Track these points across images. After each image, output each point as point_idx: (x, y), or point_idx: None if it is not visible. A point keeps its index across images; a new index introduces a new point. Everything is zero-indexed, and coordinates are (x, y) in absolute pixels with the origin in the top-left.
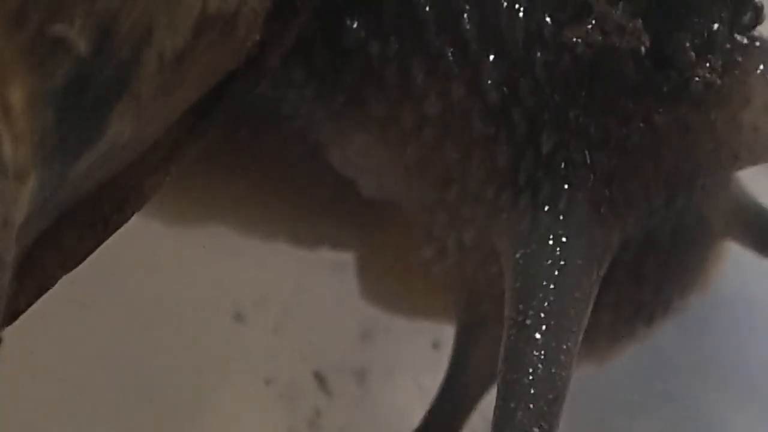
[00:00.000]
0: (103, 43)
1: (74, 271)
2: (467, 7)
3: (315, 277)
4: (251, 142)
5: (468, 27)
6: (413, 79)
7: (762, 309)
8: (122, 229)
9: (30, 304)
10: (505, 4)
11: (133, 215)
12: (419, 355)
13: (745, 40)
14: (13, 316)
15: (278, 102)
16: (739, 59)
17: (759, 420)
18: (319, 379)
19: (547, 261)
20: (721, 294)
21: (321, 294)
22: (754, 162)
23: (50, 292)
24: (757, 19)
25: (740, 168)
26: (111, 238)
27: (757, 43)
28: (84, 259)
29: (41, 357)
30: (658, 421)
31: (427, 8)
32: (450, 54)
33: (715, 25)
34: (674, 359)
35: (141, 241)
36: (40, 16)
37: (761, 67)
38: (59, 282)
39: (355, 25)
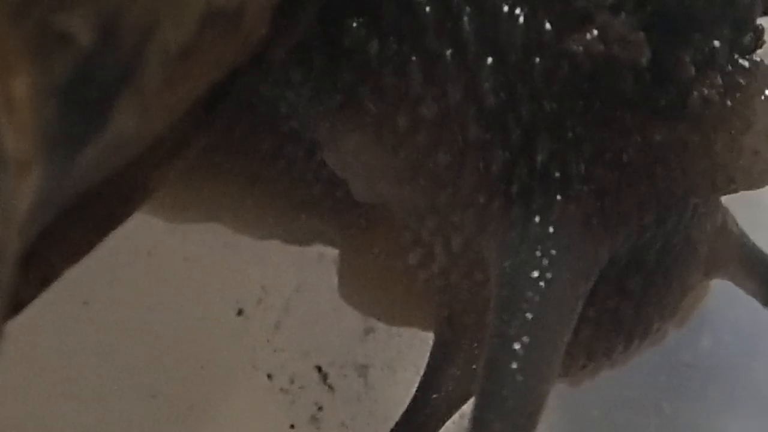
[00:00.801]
0: (107, 36)
1: (75, 268)
2: (467, 9)
3: (317, 272)
4: (248, 141)
5: (467, 30)
6: (410, 80)
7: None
8: (123, 224)
9: (33, 297)
10: (506, 8)
11: (137, 210)
12: (421, 350)
13: (748, 64)
14: (15, 309)
15: (276, 101)
16: (742, 82)
17: (760, 417)
18: (321, 374)
19: (534, 273)
20: (723, 290)
21: (323, 289)
22: (749, 186)
23: (52, 288)
24: (758, 41)
25: (734, 191)
26: (112, 234)
27: (762, 68)
28: (87, 252)
29: (43, 353)
30: (659, 418)
31: (427, 9)
32: (448, 56)
33: (716, 43)
34: (676, 355)
35: (142, 237)
36: (43, 7)
37: (767, 92)
38: (60, 278)
39: (354, 25)
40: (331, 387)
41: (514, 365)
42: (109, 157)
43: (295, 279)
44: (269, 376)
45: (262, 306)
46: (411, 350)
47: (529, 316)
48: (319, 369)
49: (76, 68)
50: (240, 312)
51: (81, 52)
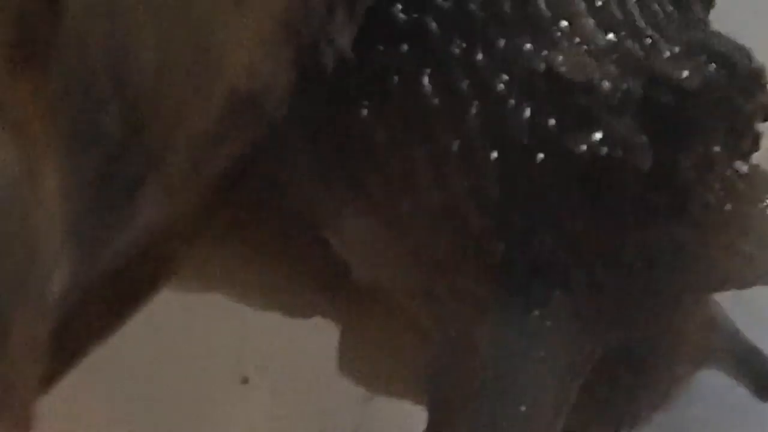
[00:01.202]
0: (136, 130)
1: None
2: (474, 102)
3: (318, 340)
4: (252, 214)
5: (474, 122)
6: (416, 169)
7: (762, 305)
8: None
9: (62, 375)
10: (512, 102)
11: (162, 287)
12: (422, 417)
13: (746, 168)
14: (45, 387)
15: (282, 180)
16: (741, 187)
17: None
18: None
19: (529, 366)
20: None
21: (324, 357)
22: (742, 288)
23: None
24: (756, 145)
25: (726, 290)
26: None
27: (759, 173)
28: (115, 330)
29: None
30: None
31: (435, 100)
32: (454, 147)
33: (716, 148)
34: None
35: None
36: (75, 106)
37: (764, 197)
38: None
39: (363, 112)
40: None
41: None
42: (135, 241)
43: (296, 347)
44: None
45: (264, 374)
46: (410, 417)
47: (522, 408)
48: None
49: (105, 162)
50: (243, 380)
51: (111, 146)
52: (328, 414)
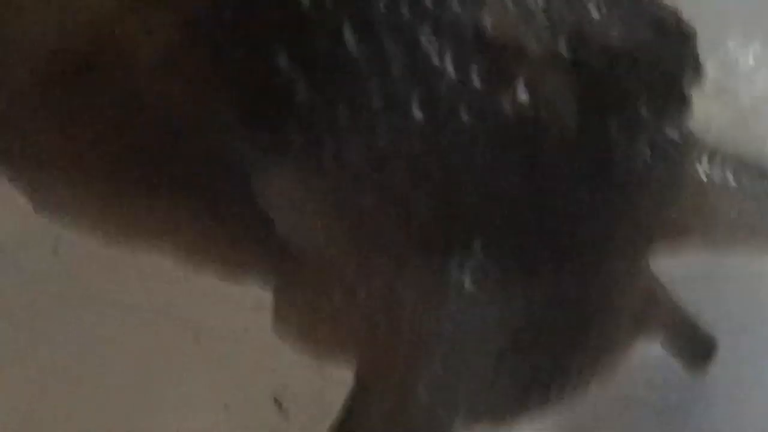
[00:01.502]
0: None
1: None
2: (398, 57)
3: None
4: (186, 173)
5: (398, 78)
6: (338, 119)
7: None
8: None
9: None
10: (437, 59)
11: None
12: None
13: (675, 133)
14: None
15: (208, 136)
16: (669, 151)
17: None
18: (278, 403)
19: (451, 321)
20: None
21: None
22: (673, 254)
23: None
24: (685, 110)
25: (655, 255)
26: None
27: (690, 139)
28: None
29: None
30: (652, 413)
31: (359, 54)
32: (377, 102)
33: (644, 111)
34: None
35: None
36: None
37: (698, 168)
38: None
39: (284, 61)
40: (286, 414)
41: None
42: None
43: (251, 309)
44: (226, 407)
45: (218, 336)
46: None
47: (450, 364)
48: (275, 398)
49: None
50: (196, 340)
51: None
52: (285, 375)
